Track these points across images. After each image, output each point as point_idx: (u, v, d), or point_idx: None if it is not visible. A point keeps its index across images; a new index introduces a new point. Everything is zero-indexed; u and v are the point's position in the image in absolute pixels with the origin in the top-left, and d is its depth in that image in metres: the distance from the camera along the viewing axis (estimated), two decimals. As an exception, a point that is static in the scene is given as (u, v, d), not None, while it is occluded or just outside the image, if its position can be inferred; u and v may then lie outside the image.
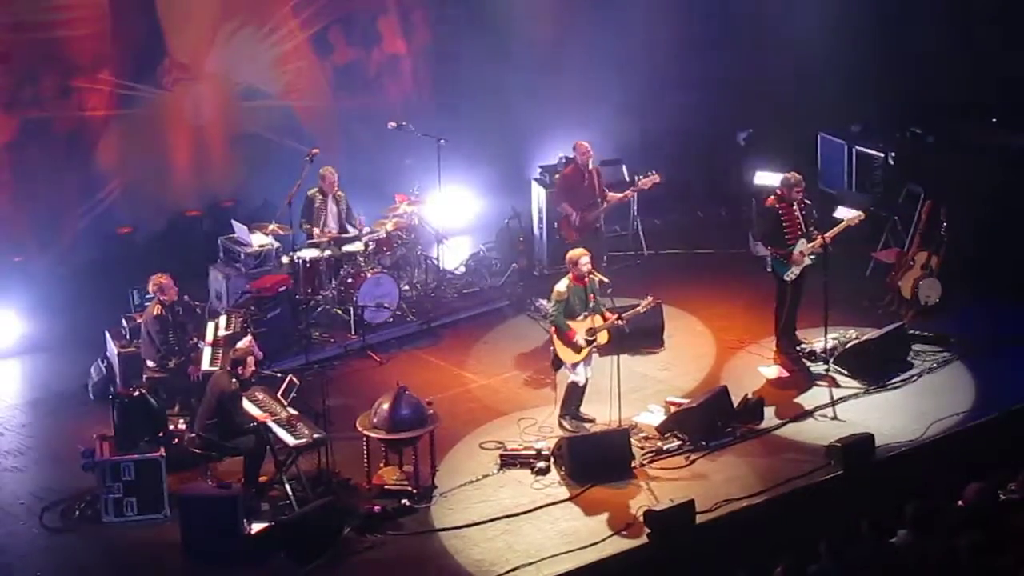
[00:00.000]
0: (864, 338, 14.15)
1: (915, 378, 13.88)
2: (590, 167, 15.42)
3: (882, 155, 17.54)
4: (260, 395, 12.49)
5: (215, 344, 13.38)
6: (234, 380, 12.09)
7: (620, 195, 15.70)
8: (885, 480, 12.12)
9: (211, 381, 12.33)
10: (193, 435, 12.17)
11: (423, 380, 13.84)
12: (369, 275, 15.11)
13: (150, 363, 13.26)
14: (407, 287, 15.85)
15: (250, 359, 12.29)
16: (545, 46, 18.20)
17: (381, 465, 12.36)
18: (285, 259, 15.41)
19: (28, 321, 15.14)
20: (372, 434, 12.09)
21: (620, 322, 12.80)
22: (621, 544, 11.37)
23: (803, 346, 14.29)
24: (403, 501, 11.91)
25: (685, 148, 18.42)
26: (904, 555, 9.71)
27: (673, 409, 13.13)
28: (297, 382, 12.83)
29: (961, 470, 11.13)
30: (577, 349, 12.79)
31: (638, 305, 13.15)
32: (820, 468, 12.27)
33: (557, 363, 13.07)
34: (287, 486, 11.97)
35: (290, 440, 11.96)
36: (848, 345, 14.08)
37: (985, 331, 14.64)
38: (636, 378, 13.70)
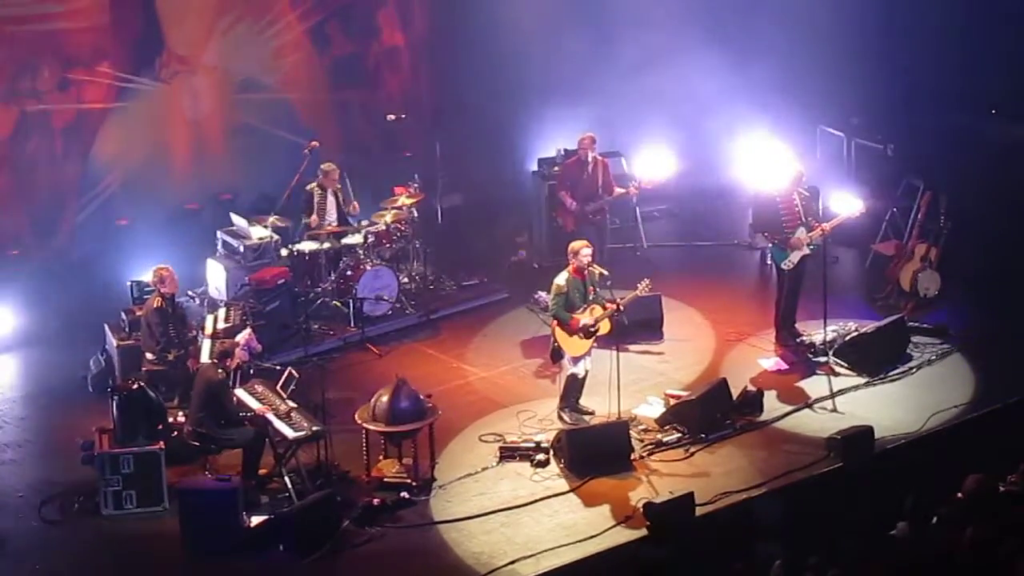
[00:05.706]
0: (863, 330, 14.14)
1: (914, 370, 13.87)
2: (591, 159, 15.40)
3: (881, 147, 17.52)
4: (259, 388, 12.49)
5: (214, 336, 13.36)
6: (220, 371, 12.11)
7: (623, 190, 15.69)
8: (884, 472, 12.11)
9: (198, 373, 12.37)
10: (190, 429, 12.18)
11: (422, 373, 13.82)
12: (368, 268, 15.09)
13: (149, 356, 13.26)
14: (406, 279, 15.83)
15: (237, 351, 12.33)
16: (544, 37, 18.17)
17: (380, 458, 12.35)
18: (284, 252, 15.38)
19: (26, 314, 15.12)
20: (371, 427, 12.08)
21: (619, 309, 12.76)
22: (620, 537, 11.36)
23: (802, 338, 14.28)
24: (402, 494, 11.90)
25: (686, 138, 18.38)
26: (903, 547, 9.71)
27: (672, 401, 13.11)
28: (296, 375, 12.80)
29: (960, 462, 11.11)
30: (586, 335, 12.75)
31: (635, 292, 13.13)
32: (819, 460, 12.26)
33: (556, 355, 13.07)
34: (286, 479, 11.97)
35: (289, 433, 11.95)
36: (847, 337, 14.07)
37: (984, 323, 14.64)
38: (635, 370, 13.68)
